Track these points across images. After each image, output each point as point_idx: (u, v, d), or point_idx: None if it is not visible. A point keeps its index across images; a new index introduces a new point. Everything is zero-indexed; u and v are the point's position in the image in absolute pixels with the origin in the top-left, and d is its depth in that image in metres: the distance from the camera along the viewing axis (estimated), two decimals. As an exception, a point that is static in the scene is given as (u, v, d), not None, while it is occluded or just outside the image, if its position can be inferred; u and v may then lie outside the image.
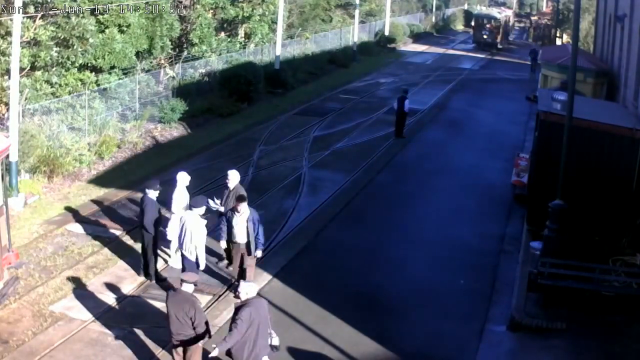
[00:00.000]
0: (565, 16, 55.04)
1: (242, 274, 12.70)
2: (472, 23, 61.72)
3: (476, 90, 37.05)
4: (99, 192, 17.91)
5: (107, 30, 22.28)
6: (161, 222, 13.41)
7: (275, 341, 9.44)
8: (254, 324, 8.95)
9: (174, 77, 27.60)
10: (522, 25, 78.09)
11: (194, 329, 9.34)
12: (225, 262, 13.86)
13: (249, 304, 9.01)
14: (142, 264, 13.38)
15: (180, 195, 13.57)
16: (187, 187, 13.76)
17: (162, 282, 13.11)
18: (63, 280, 13.04)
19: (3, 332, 11.10)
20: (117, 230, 15.53)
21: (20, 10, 16.84)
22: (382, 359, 11.25)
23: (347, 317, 12.23)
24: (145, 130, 23.32)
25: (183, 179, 13.72)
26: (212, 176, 19.43)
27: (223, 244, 13.01)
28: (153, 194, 13.25)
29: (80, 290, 12.75)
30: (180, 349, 9.59)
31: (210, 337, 9.68)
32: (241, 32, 33.82)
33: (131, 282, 13.19)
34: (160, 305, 12.36)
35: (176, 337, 9.44)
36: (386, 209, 18.05)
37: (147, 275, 13.30)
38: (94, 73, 22.15)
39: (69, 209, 16.72)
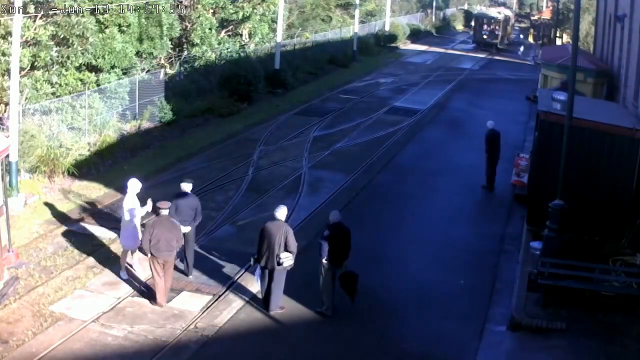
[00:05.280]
0: (565, 16, 55.04)
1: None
2: (472, 23, 61.74)
3: (476, 90, 37.05)
4: (99, 192, 17.91)
5: (107, 30, 22.30)
6: None
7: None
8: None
9: (174, 77, 27.60)
10: (522, 25, 78.13)
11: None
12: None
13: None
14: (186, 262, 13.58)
15: (131, 202, 13.33)
16: (137, 195, 13.50)
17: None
18: (63, 280, 13.04)
19: (3, 332, 11.10)
20: (117, 230, 15.50)
21: (21, 10, 16.84)
22: (382, 359, 11.27)
23: (347, 317, 12.24)
24: (145, 130, 23.32)
25: (134, 186, 13.45)
26: (212, 176, 19.44)
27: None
28: (188, 186, 13.55)
29: (80, 290, 12.75)
30: None
31: None
32: (245, 32, 33.81)
33: (131, 282, 13.19)
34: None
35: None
36: (386, 208, 18.05)
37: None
38: (94, 73, 22.15)
39: (68, 208, 16.71)
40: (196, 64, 29.27)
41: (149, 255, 12.21)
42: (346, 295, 12.32)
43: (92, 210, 16.79)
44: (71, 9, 20.32)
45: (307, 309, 12.53)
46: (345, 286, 12.26)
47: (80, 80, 21.51)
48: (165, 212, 12.35)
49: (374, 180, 20.34)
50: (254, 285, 13.14)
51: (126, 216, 13.27)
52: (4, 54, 18.68)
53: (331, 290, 12.31)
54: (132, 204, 13.31)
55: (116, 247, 14.60)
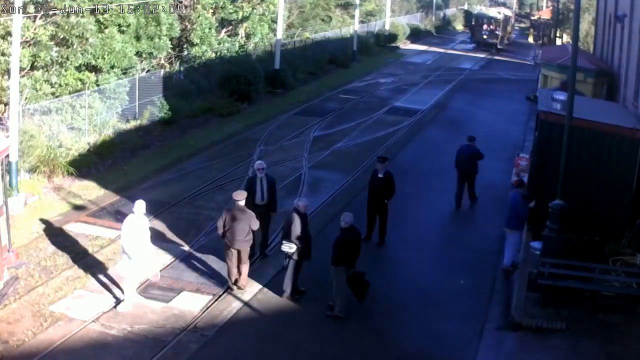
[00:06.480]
0: (565, 16, 55.03)
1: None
2: (472, 23, 61.75)
3: (476, 90, 37.04)
4: (99, 192, 17.90)
5: (106, 30, 22.29)
6: None
7: None
8: None
9: (174, 77, 27.60)
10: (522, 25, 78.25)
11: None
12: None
13: None
14: None
15: (140, 226, 12.19)
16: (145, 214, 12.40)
17: None
18: (63, 280, 13.03)
19: (3, 332, 11.10)
20: (117, 230, 15.49)
21: (20, 10, 16.84)
22: (382, 359, 11.26)
23: (347, 317, 12.24)
24: (145, 130, 23.31)
25: (140, 207, 12.24)
26: (212, 176, 19.44)
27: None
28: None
29: (80, 290, 12.75)
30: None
31: None
32: (242, 31, 33.82)
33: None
34: (160, 305, 12.40)
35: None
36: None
37: None
38: (93, 73, 22.15)
39: (68, 209, 16.72)
40: (196, 63, 29.28)
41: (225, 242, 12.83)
42: (352, 296, 12.33)
43: (92, 210, 16.78)
44: (71, 9, 20.33)
45: (307, 308, 12.53)
46: (353, 286, 12.24)
47: (80, 80, 21.52)
48: (240, 202, 12.74)
49: (374, 180, 20.30)
50: (254, 285, 13.17)
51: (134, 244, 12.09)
52: (4, 54, 18.69)
53: (346, 292, 12.27)
54: (140, 227, 12.21)
55: (116, 247, 14.59)
